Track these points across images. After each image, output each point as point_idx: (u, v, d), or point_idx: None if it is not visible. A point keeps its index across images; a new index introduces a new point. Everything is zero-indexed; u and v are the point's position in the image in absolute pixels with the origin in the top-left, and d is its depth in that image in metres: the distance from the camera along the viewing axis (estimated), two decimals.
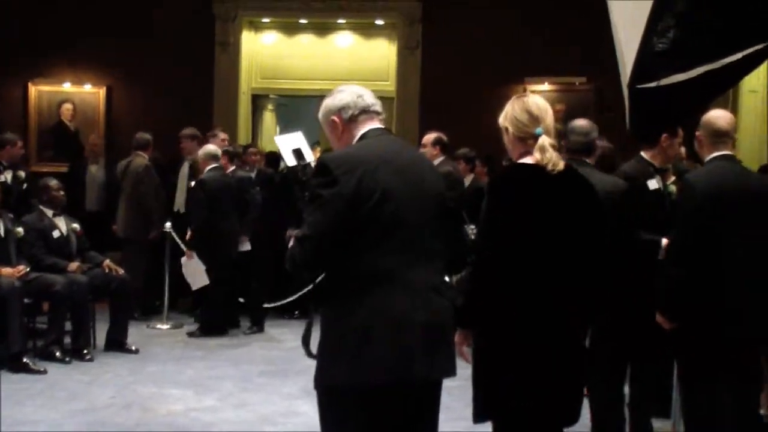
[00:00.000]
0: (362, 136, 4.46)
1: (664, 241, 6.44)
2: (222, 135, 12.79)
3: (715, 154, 5.94)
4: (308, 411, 8.05)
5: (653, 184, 6.84)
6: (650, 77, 5.83)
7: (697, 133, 5.95)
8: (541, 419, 4.70)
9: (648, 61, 5.80)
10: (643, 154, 6.93)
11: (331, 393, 4.26)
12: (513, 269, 4.56)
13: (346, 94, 4.55)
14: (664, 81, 5.78)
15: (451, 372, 4.39)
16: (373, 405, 4.15)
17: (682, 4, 5.59)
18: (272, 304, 12.18)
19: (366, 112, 4.51)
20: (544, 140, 4.66)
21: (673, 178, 7.09)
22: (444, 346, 4.34)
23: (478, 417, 4.70)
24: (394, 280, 4.18)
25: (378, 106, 4.58)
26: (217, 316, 11.34)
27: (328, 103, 4.58)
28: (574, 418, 4.85)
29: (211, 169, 11.34)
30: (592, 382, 6.51)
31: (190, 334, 11.24)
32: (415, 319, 4.17)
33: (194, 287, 11.32)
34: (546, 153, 4.64)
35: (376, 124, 4.52)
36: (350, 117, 4.50)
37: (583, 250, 4.71)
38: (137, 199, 12.33)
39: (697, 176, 5.86)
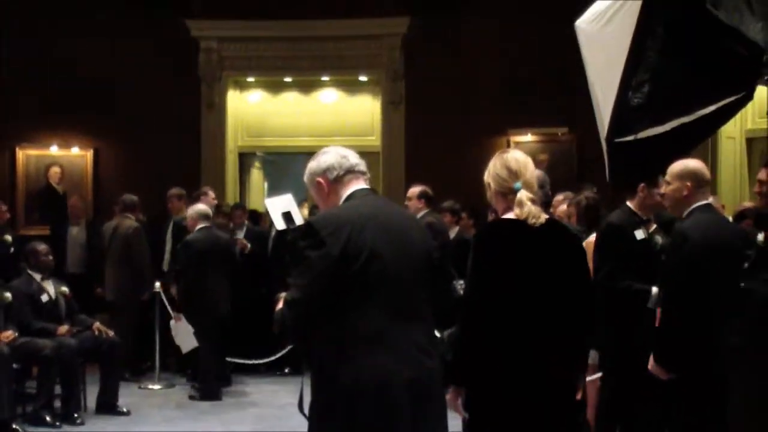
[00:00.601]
0: (348, 197, 4.44)
1: (654, 289, 6.45)
2: (211, 194, 12.76)
3: (701, 203, 6.00)
4: None
5: (640, 234, 6.90)
6: (627, 131, 5.85)
7: (678, 184, 5.97)
8: None
9: (624, 115, 5.82)
10: (628, 203, 6.98)
11: None
12: (499, 324, 4.58)
13: (330, 156, 4.52)
14: (641, 134, 5.79)
15: (441, 430, 4.36)
16: None
17: (655, 58, 5.61)
18: (262, 361, 12.13)
19: (351, 172, 4.49)
20: (522, 195, 4.70)
21: (654, 226, 7.09)
22: (431, 406, 4.28)
23: None
24: (380, 341, 4.16)
25: (362, 166, 4.57)
26: (211, 379, 11.20)
27: (313, 165, 4.55)
28: None
29: (199, 229, 11.26)
30: None
31: (191, 397, 11.10)
32: (401, 378, 4.14)
33: (184, 351, 11.24)
34: (524, 207, 4.67)
35: (361, 184, 4.50)
36: (335, 178, 4.47)
37: (568, 300, 4.71)
38: (127, 262, 12.14)
39: (689, 227, 5.87)
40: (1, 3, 14.71)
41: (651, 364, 5.97)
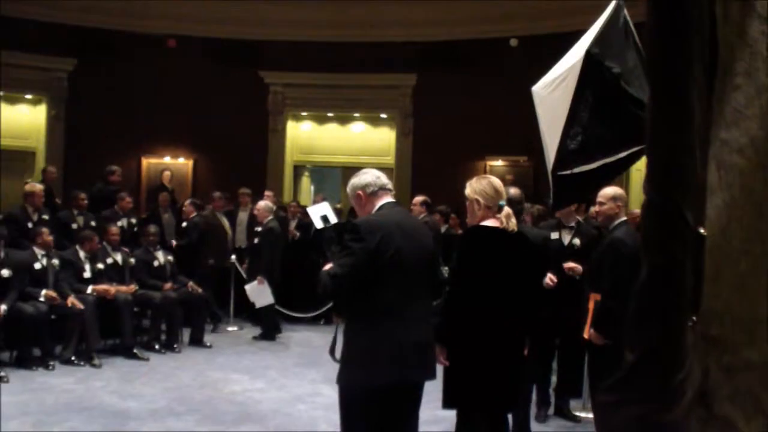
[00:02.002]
0: (380, 207, 4.50)
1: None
2: (270, 194, 12.83)
3: (622, 219, 6.15)
4: (329, 393, 8.04)
5: (554, 234, 7.32)
6: (566, 167, 5.87)
7: (611, 204, 6.09)
8: (490, 406, 4.80)
9: (564, 156, 5.85)
10: (557, 215, 7.34)
11: (348, 390, 4.35)
12: (474, 300, 4.65)
13: (368, 176, 4.59)
14: (576, 169, 5.83)
15: (433, 376, 4.49)
16: (377, 400, 4.26)
17: (586, 117, 5.66)
18: (305, 315, 12.16)
19: (383, 189, 4.55)
20: (509, 210, 4.83)
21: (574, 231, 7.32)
22: (428, 359, 4.46)
23: (446, 404, 4.78)
24: (394, 313, 4.27)
25: (390, 185, 4.64)
26: (270, 326, 11.24)
27: (355, 181, 4.60)
28: (513, 405, 5.11)
29: (271, 220, 11.23)
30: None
31: (255, 338, 11.09)
32: (410, 340, 4.28)
33: (258, 306, 11.18)
34: (511, 219, 4.81)
35: (389, 198, 4.56)
36: (371, 192, 4.53)
37: (524, 284, 4.83)
38: (218, 242, 12.15)
39: (623, 236, 5.95)
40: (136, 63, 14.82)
41: (590, 332, 6.05)
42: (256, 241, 11.40)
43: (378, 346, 4.24)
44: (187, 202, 12.63)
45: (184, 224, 12.13)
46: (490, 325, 4.65)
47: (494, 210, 4.79)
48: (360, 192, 4.56)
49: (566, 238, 7.42)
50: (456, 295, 4.70)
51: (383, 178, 4.62)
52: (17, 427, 6.65)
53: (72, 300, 9.05)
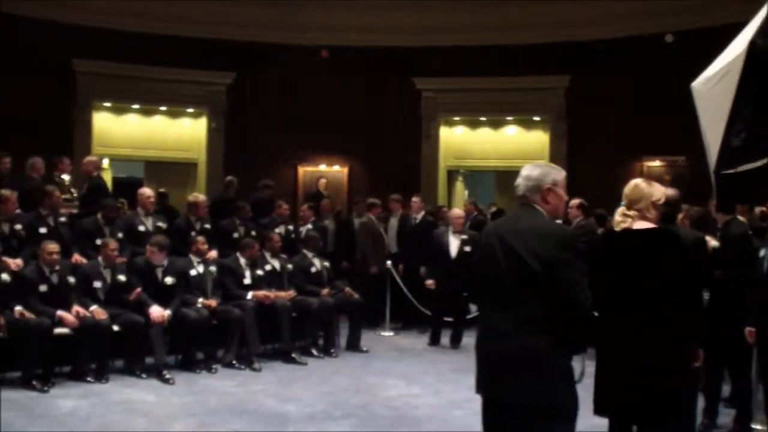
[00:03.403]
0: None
1: None
2: (417, 200, 12.86)
3: None
4: None
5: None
6: (730, 165, 5.62)
7: None
8: (639, 415, 4.45)
9: (728, 153, 5.59)
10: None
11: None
12: (608, 302, 4.33)
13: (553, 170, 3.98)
14: (741, 168, 5.57)
15: (534, 398, 3.66)
16: (485, 410, 3.91)
17: (751, 113, 5.40)
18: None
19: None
20: (620, 209, 4.62)
21: None
22: (526, 375, 3.65)
23: (596, 411, 4.50)
24: (484, 323, 3.94)
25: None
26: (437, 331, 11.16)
27: (541, 173, 3.94)
28: (672, 416, 4.44)
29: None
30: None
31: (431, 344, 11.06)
32: (496, 353, 3.78)
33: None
34: (616, 218, 4.65)
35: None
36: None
37: (669, 285, 4.41)
38: (373, 246, 12.19)
39: None
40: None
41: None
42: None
43: (476, 356, 3.94)
44: (304, 206, 12.79)
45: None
46: (629, 328, 4.35)
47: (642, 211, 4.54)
48: (550, 186, 3.89)
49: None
50: (595, 300, 4.41)
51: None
52: (183, 427, 6.87)
53: (213, 305, 9.31)
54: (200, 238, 9.74)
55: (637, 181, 4.71)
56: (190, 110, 15.88)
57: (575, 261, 3.64)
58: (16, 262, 8.53)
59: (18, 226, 9.18)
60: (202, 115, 15.81)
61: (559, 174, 3.94)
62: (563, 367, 3.70)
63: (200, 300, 9.26)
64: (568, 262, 3.62)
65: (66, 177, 11.11)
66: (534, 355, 3.63)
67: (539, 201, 3.89)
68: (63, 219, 9.74)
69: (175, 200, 14.30)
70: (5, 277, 8.20)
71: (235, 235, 10.86)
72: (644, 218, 4.56)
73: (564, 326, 3.62)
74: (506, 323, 3.71)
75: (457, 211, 11.47)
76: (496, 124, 16.29)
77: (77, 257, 9.29)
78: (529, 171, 3.96)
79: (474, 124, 16.40)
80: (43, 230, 9.31)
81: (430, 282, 11.21)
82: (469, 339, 10.96)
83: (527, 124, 16.15)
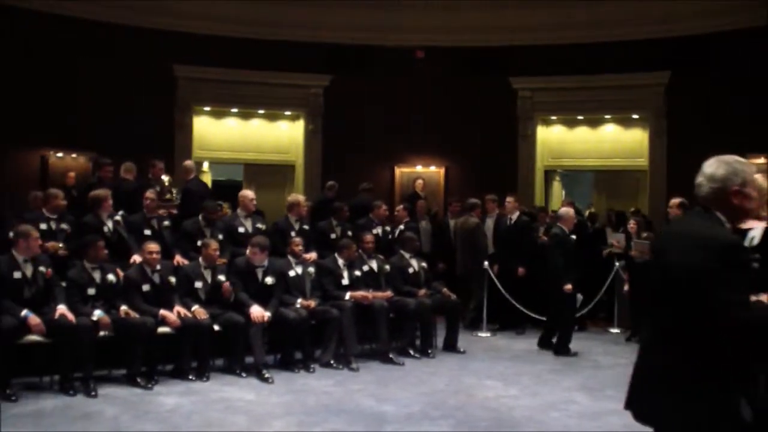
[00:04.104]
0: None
1: None
2: (511, 200, 12.69)
3: None
4: (584, 401, 7.90)
5: None
6: None
7: None
8: None
9: None
10: None
11: None
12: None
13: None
14: None
15: (649, 423, 3.35)
16: None
17: None
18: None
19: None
20: None
21: None
22: (652, 396, 3.33)
23: None
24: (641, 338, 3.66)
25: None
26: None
27: (745, 174, 3.38)
28: None
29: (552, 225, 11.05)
30: None
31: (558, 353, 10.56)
32: (640, 371, 3.44)
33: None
34: None
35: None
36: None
37: None
38: (471, 247, 12.14)
39: None
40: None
41: None
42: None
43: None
44: (399, 207, 12.83)
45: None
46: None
47: None
48: (738, 188, 3.35)
49: None
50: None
51: None
52: (283, 426, 6.96)
53: (310, 303, 9.43)
54: (296, 240, 9.86)
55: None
56: (288, 113, 16.09)
57: (729, 273, 3.13)
58: (181, 260, 8.96)
59: (117, 218, 9.56)
60: (300, 117, 15.99)
61: (748, 171, 3.36)
62: (710, 394, 3.18)
63: (299, 300, 9.37)
64: (717, 273, 3.14)
65: (165, 178, 11.39)
66: (666, 374, 3.27)
67: (721, 204, 3.37)
68: (167, 223, 10.00)
69: (274, 202, 14.51)
70: (111, 277, 8.46)
71: (333, 236, 10.95)
72: (758, 218, 4.29)
73: (707, 344, 3.16)
74: (651, 335, 3.45)
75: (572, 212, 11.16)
76: (594, 123, 16.03)
77: (179, 258, 9.51)
78: (713, 169, 3.41)
79: (571, 123, 16.19)
80: (147, 232, 9.60)
81: (521, 270, 11.53)
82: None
83: (626, 123, 15.85)
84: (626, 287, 11.65)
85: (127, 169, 10.99)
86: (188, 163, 11.90)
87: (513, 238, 12.03)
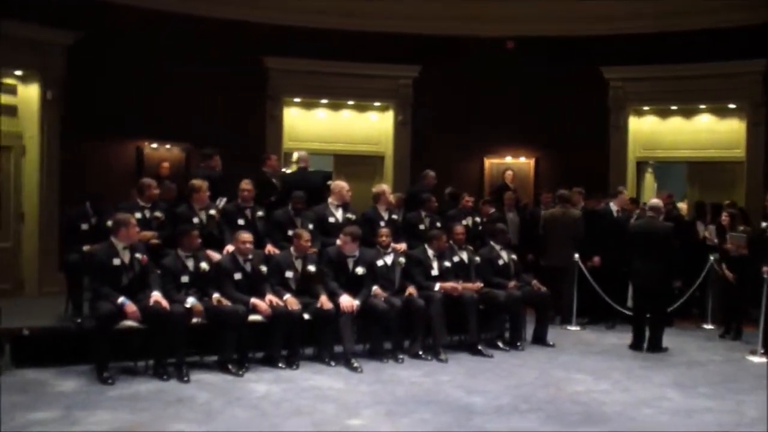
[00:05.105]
0: None
1: None
2: (626, 192, 12.65)
3: None
4: (677, 398, 7.75)
5: None
6: None
7: None
8: None
9: None
10: None
11: None
12: None
13: None
14: None
15: None
16: None
17: None
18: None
19: None
20: None
21: None
22: None
23: None
24: None
25: None
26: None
27: None
28: None
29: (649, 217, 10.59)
30: None
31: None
32: None
33: None
34: None
35: None
36: None
37: None
38: (573, 238, 11.86)
39: None
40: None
41: None
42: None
43: None
44: (483, 201, 12.73)
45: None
46: None
47: None
48: None
49: None
50: None
51: None
52: (372, 415, 6.99)
53: (411, 290, 9.56)
54: (383, 230, 9.88)
55: None
56: (377, 104, 16.09)
57: None
58: (214, 255, 9.07)
59: (212, 212, 9.71)
60: (389, 108, 15.98)
61: None
62: None
63: (374, 287, 9.40)
64: None
65: (266, 170, 11.49)
66: None
67: None
68: (260, 213, 10.12)
69: (364, 193, 14.55)
70: (204, 265, 8.62)
71: (421, 226, 10.94)
72: None
73: None
74: None
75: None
76: (688, 113, 15.60)
77: (270, 247, 9.62)
78: None
79: (664, 114, 15.78)
80: (240, 221, 9.74)
81: (597, 259, 11.54)
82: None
83: (721, 112, 15.36)
84: (730, 278, 11.08)
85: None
86: (300, 154, 12.02)
87: (617, 231, 11.55)
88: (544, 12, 14.99)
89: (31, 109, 12.72)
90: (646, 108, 15.72)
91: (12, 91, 12.61)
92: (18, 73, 12.57)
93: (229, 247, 9.09)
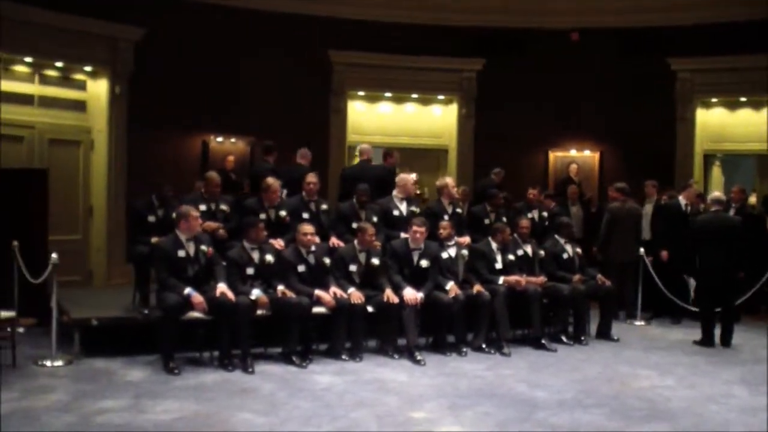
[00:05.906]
0: None
1: None
2: (696, 185, 12.40)
3: None
4: (744, 395, 7.60)
5: None
6: None
7: None
8: None
9: None
10: None
11: None
12: None
13: None
14: None
15: None
16: None
17: None
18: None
19: None
20: None
21: None
22: None
23: None
24: None
25: None
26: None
27: None
28: None
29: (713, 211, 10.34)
30: None
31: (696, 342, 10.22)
32: None
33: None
34: None
35: None
36: None
37: None
38: (635, 232, 11.84)
39: None
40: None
41: None
42: None
43: None
44: (544, 194, 12.48)
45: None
46: None
47: None
48: None
49: None
50: None
51: None
52: (435, 407, 6.98)
53: (478, 288, 9.47)
54: (444, 224, 9.86)
55: None
56: (441, 97, 16.06)
57: None
58: (279, 243, 9.18)
59: (282, 212, 9.75)
60: (453, 101, 15.94)
61: None
62: None
63: (450, 283, 9.37)
64: None
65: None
66: None
67: None
68: (324, 206, 10.17)
69: (428, 186, 14.58)
70: (269, 258, 8.70)
71: (486, 221, 10.90)
72: None
73: None
74: None
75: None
76: (757, 105, 15.24)
77: (334, 240, 9.68)
78: None
79: (733, 105, 15.47)
80: (305, 215, 9.80)
81: (664, 253, 11.40)
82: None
83: None
84: None
85: (302, 155, 11.18)
86: (362, 146, 12.07)
87: (686, 225, 11.29)
88: (609, 3, 14.82)
89: (100, 104, 13.02)
90: (714, 100, 15.45)
91: (81, 86, 12.91)
92: (87, 68, 12.89)
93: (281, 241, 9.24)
